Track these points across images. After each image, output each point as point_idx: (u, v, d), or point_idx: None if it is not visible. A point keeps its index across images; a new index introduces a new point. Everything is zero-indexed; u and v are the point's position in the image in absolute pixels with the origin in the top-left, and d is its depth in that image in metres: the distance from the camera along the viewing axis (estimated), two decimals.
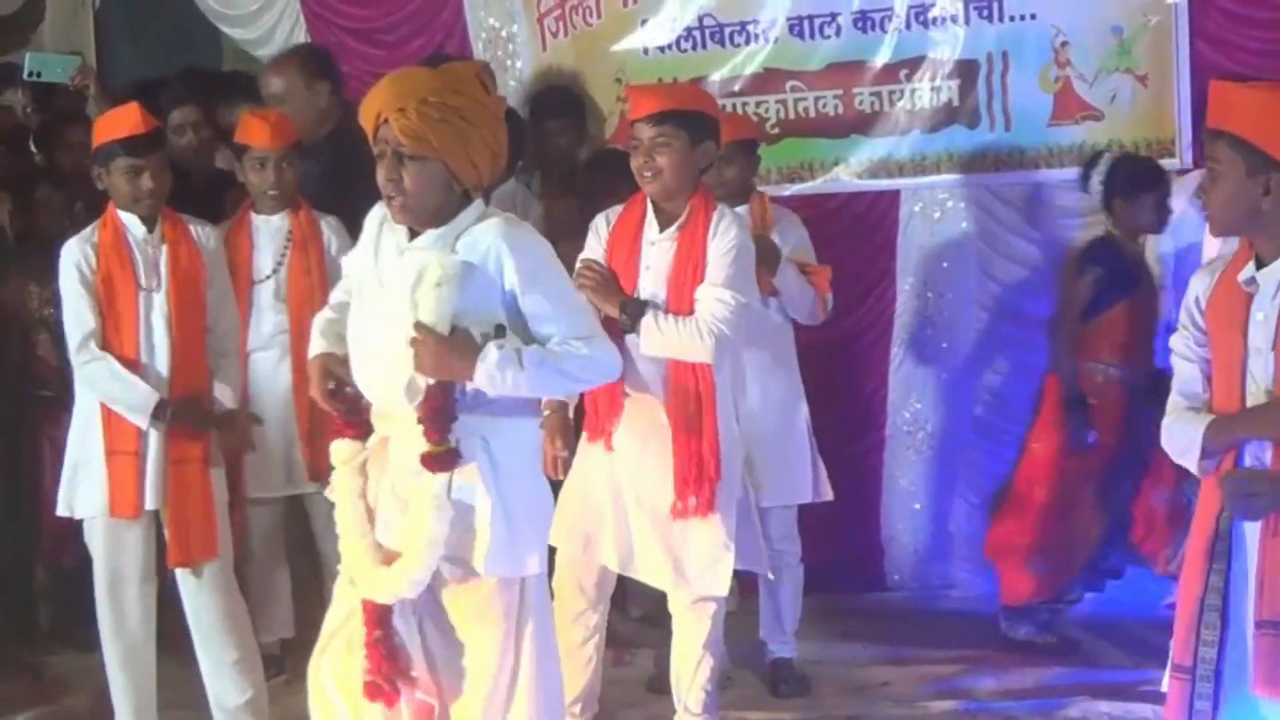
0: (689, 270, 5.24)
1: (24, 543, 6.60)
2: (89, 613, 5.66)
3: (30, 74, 7.19)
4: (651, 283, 5.28)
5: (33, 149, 7.38)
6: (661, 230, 5.30)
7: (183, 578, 5.56)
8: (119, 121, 5.53)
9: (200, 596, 5.58)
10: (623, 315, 5.21)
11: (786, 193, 7.15)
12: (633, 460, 5.32)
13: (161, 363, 5.48)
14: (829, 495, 6.33)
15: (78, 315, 5.45)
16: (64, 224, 6.55)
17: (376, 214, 4.34)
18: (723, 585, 5.42)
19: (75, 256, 5.49)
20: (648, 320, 5.19)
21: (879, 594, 7.46)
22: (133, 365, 5.42)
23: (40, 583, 6.84)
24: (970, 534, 7.38)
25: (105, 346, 5.43)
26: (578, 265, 5.28)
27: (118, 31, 9.02)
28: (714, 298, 5.18)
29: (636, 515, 5.33)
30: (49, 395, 6.48)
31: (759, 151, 6.52)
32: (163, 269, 5.51)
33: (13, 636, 6.64)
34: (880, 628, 7.06)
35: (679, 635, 5.51)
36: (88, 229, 5.57)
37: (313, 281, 6.04)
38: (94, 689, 6.08)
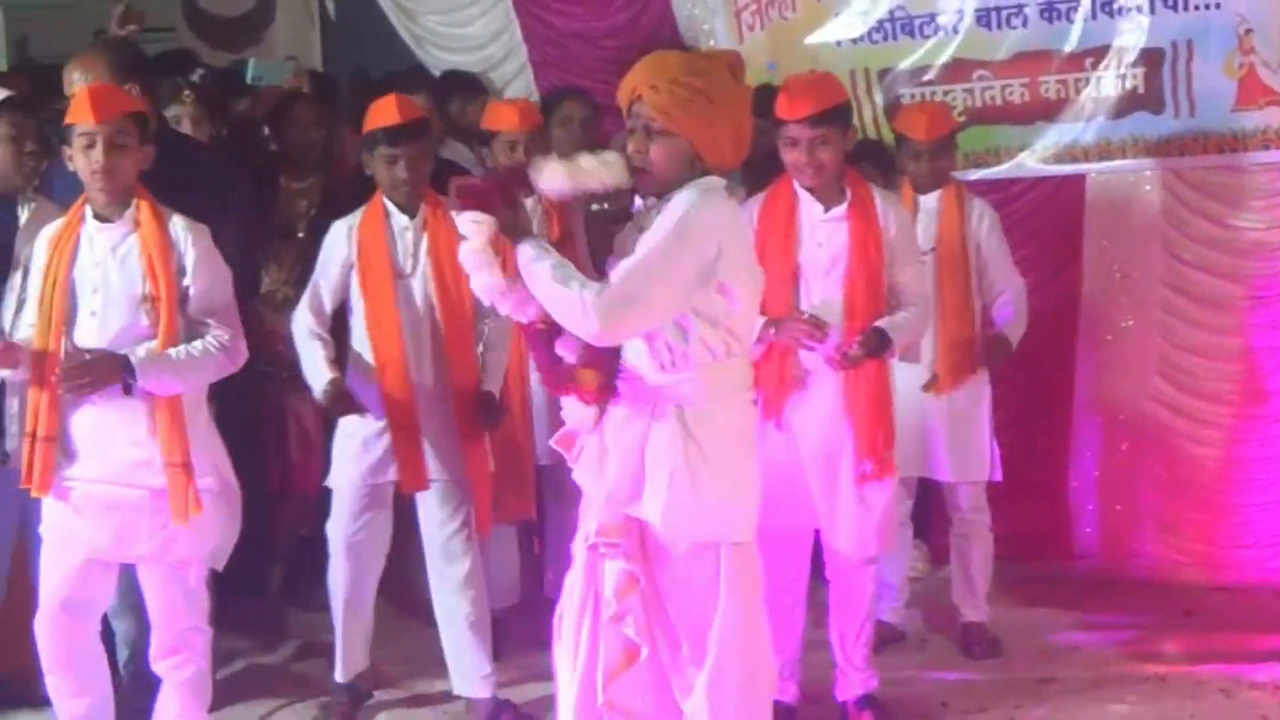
0: (869, 244, 5.48)
1: (261, 511, 6.73)
2: (319, 577, 5.97)
3: (254, 79, 7.51)
4: (828, 257, 5.50)
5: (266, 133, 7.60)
6: (826, 210, 5.51)
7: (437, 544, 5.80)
8: (381, 111, 5.71)
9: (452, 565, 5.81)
10: (866, 350, 5.40)
11: (972, 177, 7.23)
12: (810, 431, 5.52)
13: (424, 351, 5.67)
14: (999, 476, 6.50)
15: (313, 289, 5.71)
16: (300, 207, 6.92)
17: None
18: (886, 544, 5.66)
19: (332, 238, 5.75)
20: (898, 342, 5.48)
21: (1068, 562, 7.54)
22: (397, 354, 5.60)
23: (278, 547, 7.13)
24: (1156, 505, 7.42)
25: (367, 334, 5.62)
26: (795, 322, 5.37)
27: (344, 33, 9.24)
28: (916, 277, 5.62)
29: (813, 481, 5.53)
30: (279, 371, 6.71)
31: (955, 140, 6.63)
32: (422, 255, 5.67)
33: (246, 595, 6.83)
34: (1069, 594, 7.16)
35: (843, 594, 5.70)
36: (356, 213, 5.77)
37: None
38: (317, 645, 6.45)
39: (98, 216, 5.01)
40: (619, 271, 4.23)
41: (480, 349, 5.80)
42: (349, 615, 5.91)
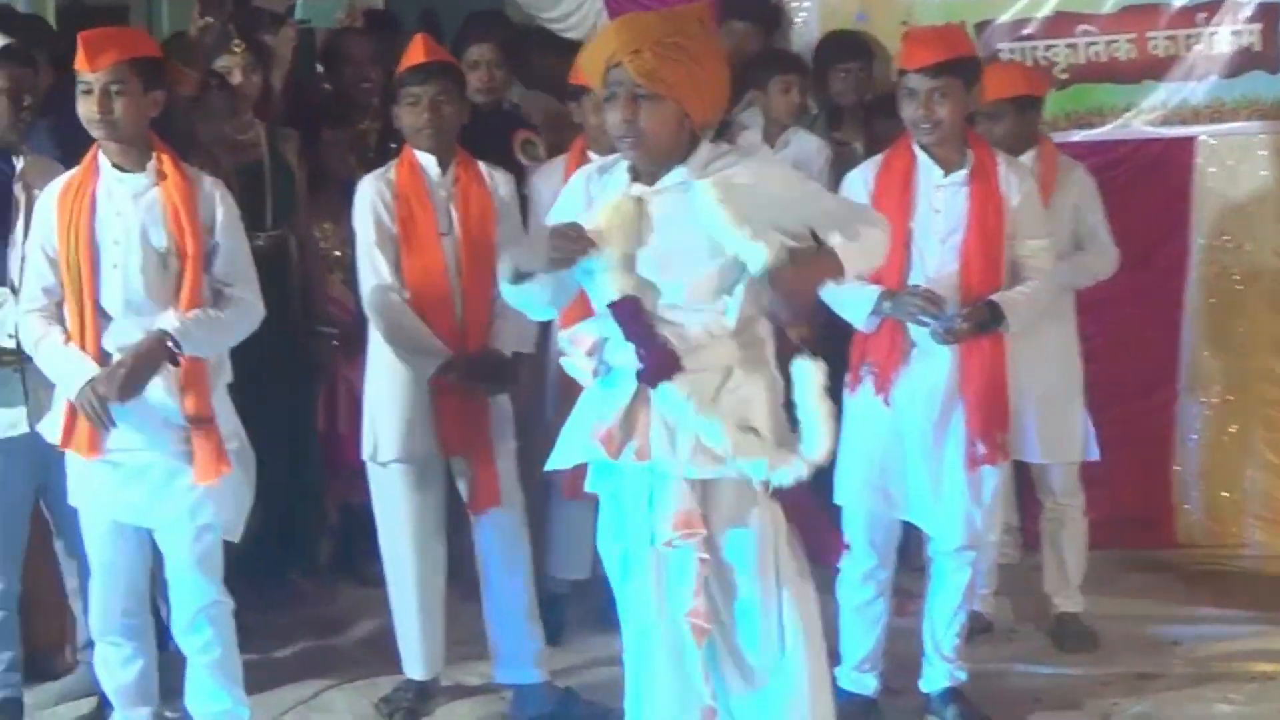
0: (990, 213, 5.29)
1: (312, 479, 6.74)
2: (372, 550, 5.78)
3: (301, 20, 7.33)
4: (945, 224, 5.31)
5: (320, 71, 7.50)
6: (946, 174, 5.32)
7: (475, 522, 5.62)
8: (407, 54, 5.57)
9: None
10: (972, 324, 5.22)
11: (1075, 138, 7.12)
12: (915, 409, 5.33)
13: (458, 310, 5.47)
14: (1096, 455, 6.31)
15: (372, 263, 5.47)
16: (351, 162, 6.70)
17: (582, 173, 4.51)
18: (989, 533, 5.52)
19: (369, 195, 5.52)
20: (1010, 319, 5.26)
21: (1169, 550, 7.37)
22: (445, 313, 5.42)
23: (329, 520, 7.00)
24: (1266, 492, 7.32)
25: (413, 293, 5.42)
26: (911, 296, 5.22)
27: None
28: (1042, 249, 5.39)
29: (915, 462, 5.35)
30: (335, 333, 6.61)
31: (1038, 107, 6.37)
32: (453, 213, 5.50)
33: (296, 570, 6.81)
34: (1171, 585, 6.99)
35: (939, 581, 5.55)
36: (383, 167, 5.59)
37: None
38: (376, 624, 6.26)
39: (117, 166, 4.90)
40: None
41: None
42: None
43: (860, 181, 5.43)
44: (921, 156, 5.35)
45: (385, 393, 5.55)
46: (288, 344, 6.39)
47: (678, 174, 4.31)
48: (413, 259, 5.46)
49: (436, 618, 5.72)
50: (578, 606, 6.36)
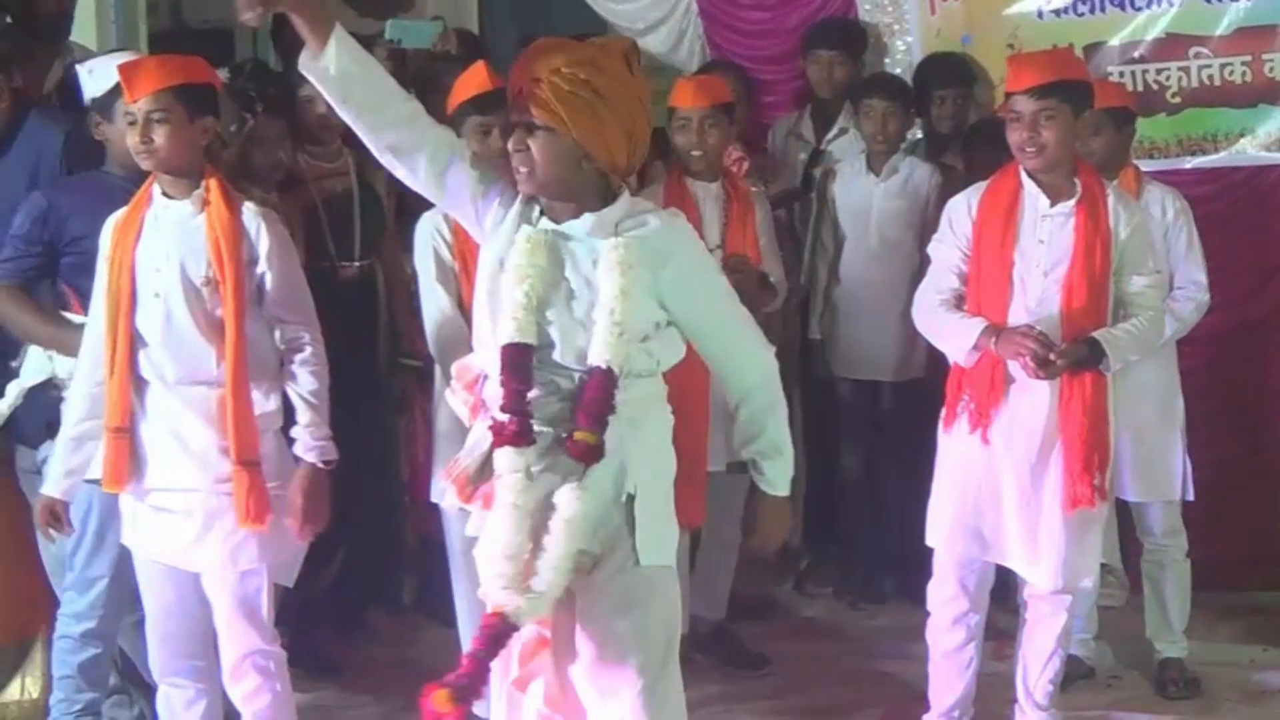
0: (1097, 247, 5.21)
1: (395, 514, 6.76)
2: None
3: (392, 40, 7.28)
4: (1049, 256, 5.24)
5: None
6: (1052, 204, 5.25)
7: None
8: (468, 81, 5.55)
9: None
10: (1068, 360, 5.15)
11: (1188, 165, 7.07)
12: (1013, 447, 5.27)
13: None
14: (1191, 495, 6.22)
15: (435, 299, 5.43)
16: None
17: (518, 204, 4.22)
18: (1087, 575, 5.43)
19: (428, 231, 5.46)
20: (1111, 357, 5.19)
21: (1277, 593, 7.16)
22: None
23: (409, 555, 6.99)
24: None
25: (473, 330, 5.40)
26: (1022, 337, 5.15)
27: (500, 2, 9.18)
28: (1149, 287, 5.33)
29: (1010, 503, 5.29)
30: (419, 366, 6.51)
31: (1133, 124, 6.32)
32: None
33: (378, 607, 6.83)
34: (1278, 629, 6.81)
35: (1033, 625, 5.48)
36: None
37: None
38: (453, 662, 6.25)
39: (165, 194, 4.91)
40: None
41: None
42: None
43: (963, 207, 5.39)
44: (1028, 184, 5.28)
45: (454, 433, 5.46)
46: (373, 376, 6.44)
47: (585, 222, 4.11)
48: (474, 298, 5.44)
49: None
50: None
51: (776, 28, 7.83)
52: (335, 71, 4.01)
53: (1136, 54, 7.23)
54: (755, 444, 4.24)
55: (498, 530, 4.01)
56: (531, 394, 4.03)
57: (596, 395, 4.00)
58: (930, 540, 5.44)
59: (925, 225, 6.52)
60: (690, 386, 5.80)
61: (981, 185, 5.42)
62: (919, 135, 7.33)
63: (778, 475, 4.27)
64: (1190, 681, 6.24)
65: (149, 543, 4.95)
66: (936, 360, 5.55)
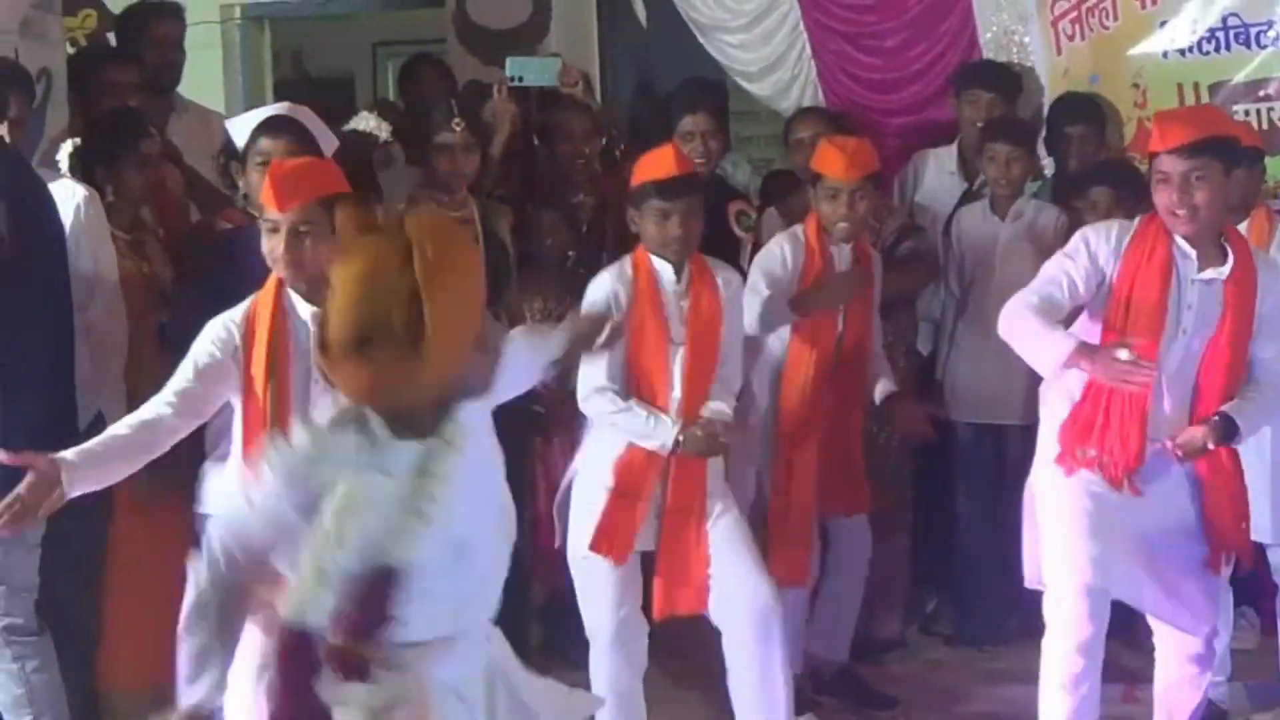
0: (1244, 319, 5.19)
1: (518, 560, 6.77)
2: (579, 632, 5.83)
3: (513, 79, 7.26)
4: (1194, 321, 5.19)
5: (536, 143, 7.41)
6: (1201, 268, 5.18)
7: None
8: (655, 162, 5.60)
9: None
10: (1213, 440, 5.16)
11: None
12: (1147, 502, 5.27)
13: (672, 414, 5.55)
14: None
15: (594, 360, 5.43)
16: (566, 240, 6.83)
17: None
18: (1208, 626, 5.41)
19: (608, 289, 5.54)
20: (1244, 429, 5.20)
21: None
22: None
23: (537, 602, 7.03)
24: None
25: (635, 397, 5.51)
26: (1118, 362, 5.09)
27: (620, 45, 9.26)
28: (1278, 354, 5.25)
29: (1145, 552, 5.28)
30: (541, 412, 6.64)
31: (1264, 162, 6.37)
32: (684, 322, 5.55)
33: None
34: None
35: (1179, 682, 5.48)
36: (617, 265, 5.65)
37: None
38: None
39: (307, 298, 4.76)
40: None
41: None
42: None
43: (1110, 240, 5.24)
44: (1180, 244, 5.16)
45: (597, 488, 5.62)
46: (498, 426, 6.48)
47: None
48: (640, 365, 5.55)
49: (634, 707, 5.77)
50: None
51: (893, 77, 7.92)
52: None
53: (1263, 92, 7.23)
54: None
55: None
56: None
57: None
58: (1047, 578, 5.31)
59: None
60: (800, 436, 5.95)
61: (1129, 225, 5.29)
62: (1048, 174, 7.37)
63: None
64: None
65: None
66: None
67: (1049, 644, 5.30)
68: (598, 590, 5.65)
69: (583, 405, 5.63)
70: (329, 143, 5.59)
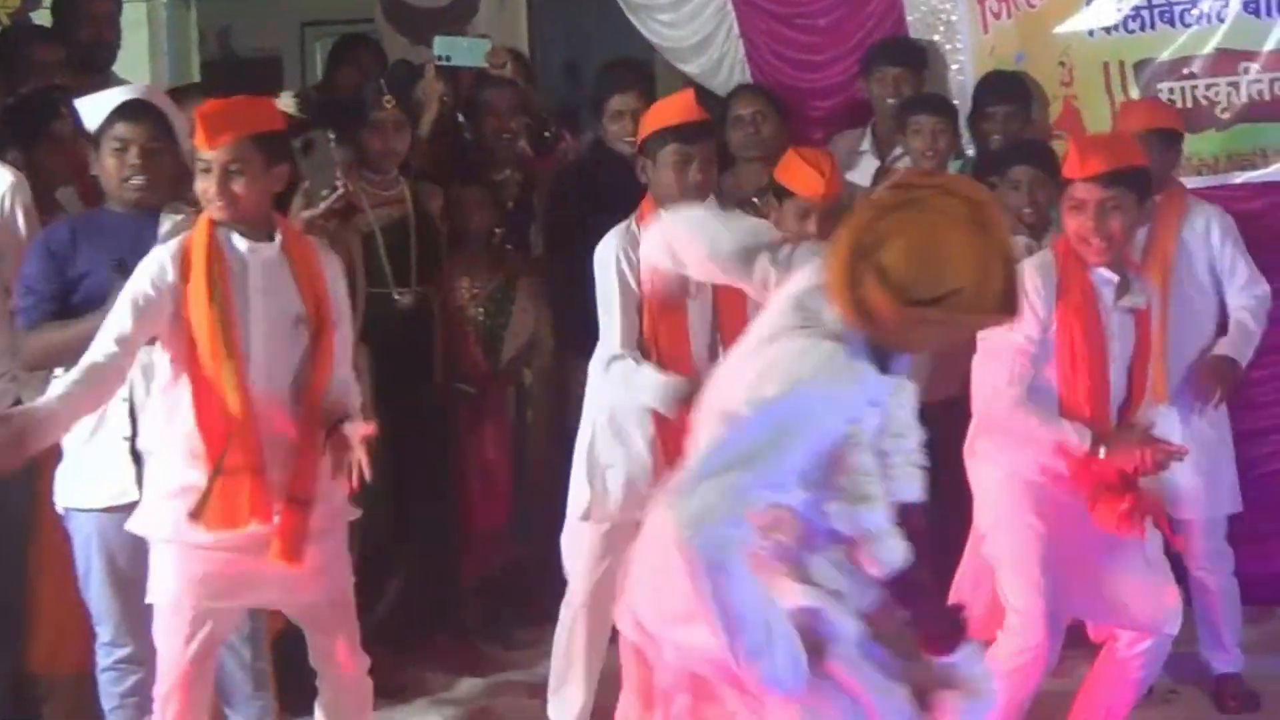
0: (1157, 344, 5.40)
1: (451, 541, 6.77)
2: (514, 611, 5.92)
3: (440, 58, 7.17)
4: (1120, 349, 5.21)
5: (462, 121, 7.39)
6: (1118, 295, 5.21)
7: None
8: (671, 108, 5.59)
9: None
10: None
11: (1237, 180, 7.05)
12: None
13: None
14: (1239, 507, 6.33)
15: (622, 318, 5.49)
16: (492, 217, 6.82)
17: None
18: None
19: (614, 253, 5.51)
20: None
21: None
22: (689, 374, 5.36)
23: (471, 582, 6.98)
24: None
25: (658, 354, 5.46)
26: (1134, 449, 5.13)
27: (550, 25, 9.30)
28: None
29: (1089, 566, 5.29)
30: (472, 392, 6.71)
31: (1179, 144, 6.43)
32: None
33: (442, 630, 6.88)
34: None
35: (1119, 676, 5.51)
36: (622, 225, 5.58)
37: None
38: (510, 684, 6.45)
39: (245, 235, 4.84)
40: None
41: None
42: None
43: (1041, 289, 5.17)
44: (1101, 271, 5.18)
45: (607, 452, 5.63)
46: (429, 404, 6.54)
47: None
48: (658, 323, 5.49)
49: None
50: None
51: (823, 57, 7.89)
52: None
53: (1187, 70, 7.23)
54: None
55: None
56: None
57: None
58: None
59: None
60: None
61: (1047, 263, 5.24)
62: (970, 153, 7.40)
63: None
64: (1248, 696, 6.31)
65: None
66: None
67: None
68: (582, 553, 5.71)
69: (601, 373, 5.59)
70: (183, 132, 5.39)
